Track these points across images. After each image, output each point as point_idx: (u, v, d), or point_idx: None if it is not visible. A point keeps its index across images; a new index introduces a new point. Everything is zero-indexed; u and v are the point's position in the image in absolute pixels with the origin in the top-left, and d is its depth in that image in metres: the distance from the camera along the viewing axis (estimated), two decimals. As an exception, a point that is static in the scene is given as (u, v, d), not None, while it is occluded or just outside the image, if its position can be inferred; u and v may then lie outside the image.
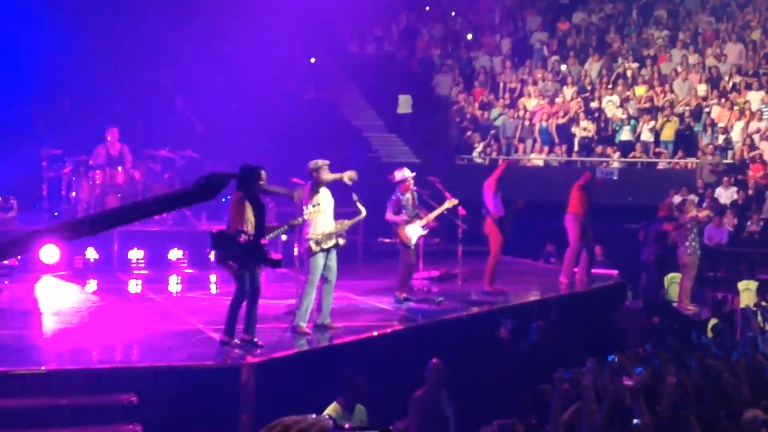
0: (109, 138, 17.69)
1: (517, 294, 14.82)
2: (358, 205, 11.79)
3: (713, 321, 13.84)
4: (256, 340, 10.15)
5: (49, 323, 11.85)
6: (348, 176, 11.28)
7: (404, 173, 13.43)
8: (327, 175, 11.10)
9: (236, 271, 9.86)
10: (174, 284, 15.34)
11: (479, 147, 25.45)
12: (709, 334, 12.82)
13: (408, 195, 13.37)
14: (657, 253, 16.84)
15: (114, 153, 17.69)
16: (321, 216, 10.98)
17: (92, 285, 14.74)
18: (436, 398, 10.02)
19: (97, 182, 17.35)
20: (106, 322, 11.80)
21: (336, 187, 11.41)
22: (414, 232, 13.33)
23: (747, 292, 17.48)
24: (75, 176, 17.56)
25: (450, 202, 13.78)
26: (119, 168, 17.52)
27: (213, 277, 15.46)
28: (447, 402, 10.11)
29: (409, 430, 9.53)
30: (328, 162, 11.22)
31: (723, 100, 24.35)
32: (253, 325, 10.17)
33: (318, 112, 25.91)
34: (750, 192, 21.42)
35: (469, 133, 25.95)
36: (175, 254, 16.67)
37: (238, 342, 10.11)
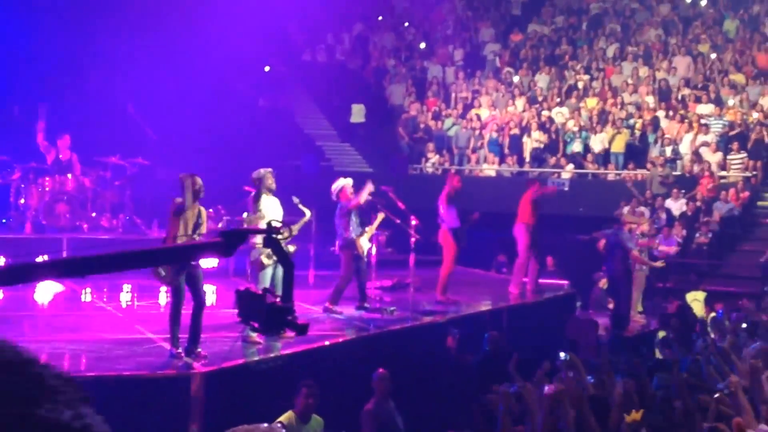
0: (59, 145, 17.48)
1: (469, 304, 14.85)
2: (301, 207, 11.73)
3: (661, 333, 13.94)
4: (199, 350, 10.01)
5: (-4, 332, 11.65)
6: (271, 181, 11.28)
7: (338, 183, 13.27)
8: (269, 184, 11.09)
9: (173, 281, 9.81)
10: (124, 292, 15.16)
11: (432, 157, 25.50)
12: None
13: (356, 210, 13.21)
14: (625, 266, 16.75)
15: (63, 159, 17.48)
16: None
17: (40, 292, 14.52)
18: (387, 409, 9.99)
19: (47, 189, 17.15)
20: (54, 330, 11.62)
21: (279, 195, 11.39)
22: (365, 243, 13.27)
23: (695, 303, 17.66)
24: (24, 183, 17.33)
25: (381, 217, 13.66)
26: (69, 175, 17.31)
27: (163, 287, 15.29)
28: (395, 412, 10.10)
29: None
30: (271, 170, 11.18)
31: (672, 112, 24.61)
32: (197, 336, 10.04)
33: (271, 120, 25.82)
34: (699, 204, 21.66)
35: (429, 144, 25.99)
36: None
37: (182, 352, 9.98)
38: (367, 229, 13.33)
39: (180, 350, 9.96)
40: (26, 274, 3.99)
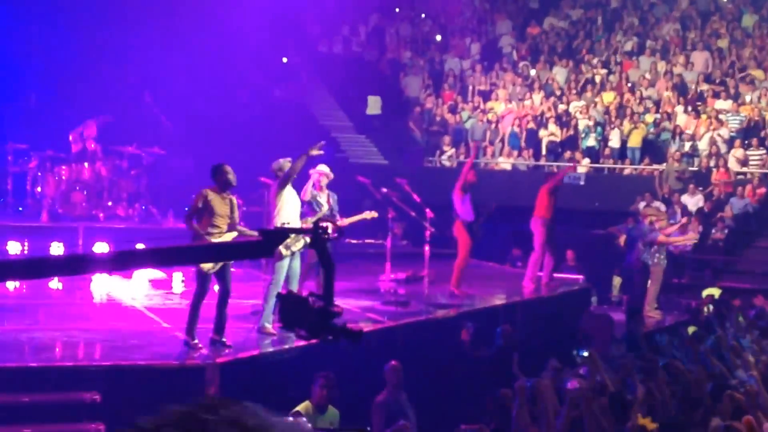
0: (85, 135, 17.55)
1: (483, 297, 14.84)
2: (318, 200, 11.70)
3: (692, 328, 13.88)
4: (224, 340, 10.09)
5: (11, 320, 11.69)
6: (315, 152, 11.16)
7: (319, 169, 12.67)
8: (294, 165, 10.93)
9: (200, 271, 9.86)
10: (140, 281, 15.19)
11: (449, 150, 25.45)
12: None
13: (323, 194, 12.57)
14: (645, 259, 16.68)
15: (89, 149, 17.57)
16: (287, 217, 10.87)
17: (56, 281, 14.57)
18: (398, 401, 10.01)
19: (63, 178, 17.21)
20: (69, 320, 11.67)
21: (298, 186, 11.36)
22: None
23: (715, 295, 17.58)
24: (41, 171, 17.40)
25: (369, 214, 13.06)
26: (85, 164, 17.37)
27: (178, 276, 15.33)
28: (407, 404, 10.11)
29: None
30: (290, 159, 11.15)
31: (690, 107, 24.52)
32: (222, 325, 10.11)
33: (286, 111, 25.81)
34: (715, 199, 21.59)
35: (445, 137, 25.95)
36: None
37: (198, 342, 10.02)
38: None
39: (196, 341, 10.00)
40: (79, 265, 4.00)
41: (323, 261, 4.17)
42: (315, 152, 11.14)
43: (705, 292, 17.78)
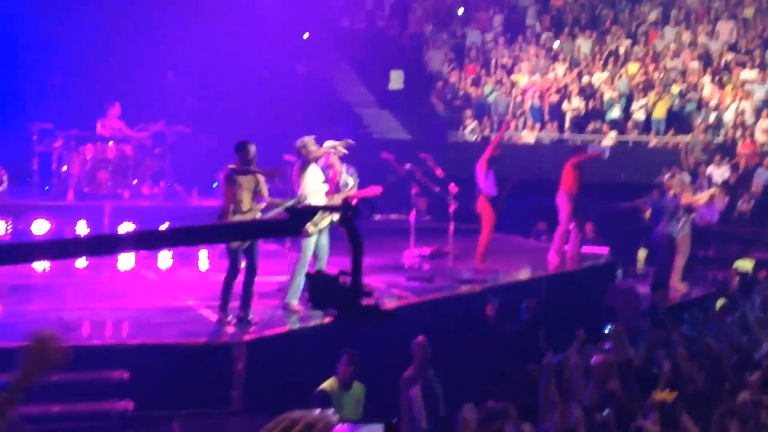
0: (109, 114, 17.63)
1: (508, 272, 14.82)
2: (345, 176, 11.68)
3: (720, 301, 13.81)
4: (250, 317, 10.16)
5: (39, 299, 11.80)
6: (341, 145, 11.20)
7: (327, 142, 12.62)
8: (316, 151, 11.00)
9: (230, 249, 9.93)
10: (165, 259, 15.25)
11: (471, 124, 25.37)
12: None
13: (330, 171, 12.66)
14: (670, 232, 16.59)
15: (115, 127, 17.66)
16: (313, 194, 10.89)
17: (83, 260, 14.65)
18: (425, 377, 10.05)
19: (88, 157, 17.29)
20: (97, 299, 11.76)
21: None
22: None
23: (746, 268, 17.42)
24: (66, 150, 17.48)
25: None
26: (110, 143, 17.45)
27: (204, 253, 15.38)
28: (435, 380, 10.15)
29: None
30: (314, 137, 11.13)
31: (715, 78, 24.31)
32: (248, 303, 10.19)
33: (309, 87, 25.77)
34: (741, 171, 21.43)
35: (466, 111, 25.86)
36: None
37: (233, 319, 10.11)
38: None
39: (230, 317, 10.08)
40: (106, 245, 4.03)
41: (352, 239, 4.15)
42: (341, 148, 11.18)
43: (737, 264, 17.60)
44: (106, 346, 9.55)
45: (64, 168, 17.50)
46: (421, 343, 10.07)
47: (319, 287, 3.87)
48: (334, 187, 11.99)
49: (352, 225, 4.03)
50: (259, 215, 10.12)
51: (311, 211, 4.01)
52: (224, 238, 4.92)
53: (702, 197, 17.50)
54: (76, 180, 17.23)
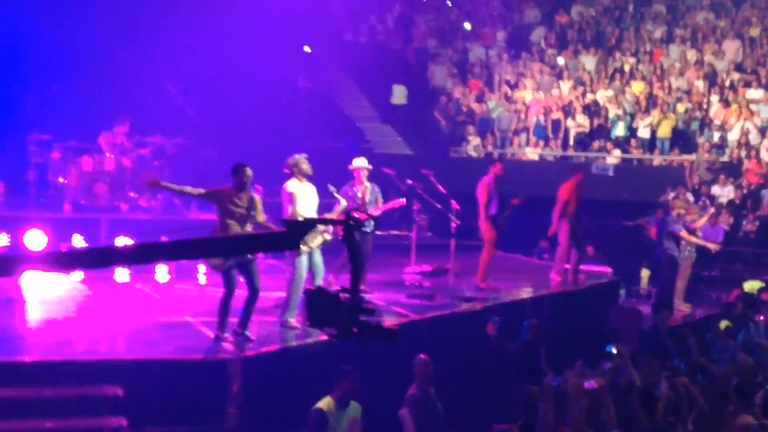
0: (115, 131, 17.65)
1: (510, 291, 14.76)
2: (337, 196, 11.66)
3: (724, 323, 13.73)
4: (248, 334, 10.11)
5: (34, 313, 11.75)
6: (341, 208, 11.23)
7: (359, 162, 13.08)
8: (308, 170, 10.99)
9: (225, 269, 9.88)
10: (162, 274, 15.19)
11: (474, 140, 25.36)
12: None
13: (360, 188, 13.07)
14: (672, 252, 16.53)
15: (118, 142, 17.67)
16: (305, 213, 10.81)
17: (78, 274, 14.60)
18: (427, 395, 9.99)
19: (86, 169, 17.26)
20: (92, 313, 11.71)
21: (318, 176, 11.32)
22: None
23: (753, 289, 17.35)
24: (63, 162, 17.45)
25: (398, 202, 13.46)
26: (108, 155, 17.43)
27: (202, 268, 15.32)
28: (436, 398, 10.09)
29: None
30: (305, 156, 11.09)
31: (720, 97, 24.30)
32: (247, 320, 10.15)
33: (312, 101, 25.80)
34: (746, 191, 21.39)
35: (469, 127, 25.86)
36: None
37: (229, 336, 10.05)
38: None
39: (227, 335, 10.03)
40: (101, 258, 3.98)
41: (351, 255, 4.06)
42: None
43: (745, 285, 17.52)
44: (101, 361, 9.48)
45: (61, 180, 17.47)
46: (423, 361, 10.02)
47: (317, 305, 3.79)
48: (362, 205, 12.18)
49: (353, 240, 3.96)
50: None
51: (309, 225, 3.96)
52: (222, 251, 4.87)
53: (699, 242, 17.41)
54: (73, 192, 17.19)
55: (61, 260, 3.98)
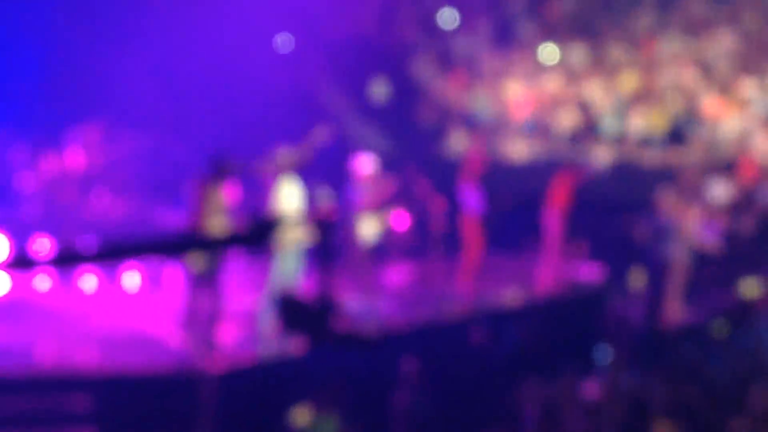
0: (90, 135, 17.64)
1: (496, 294, 14.77)
2: (325, 195, 11.65)
3: (719, 326, 13.80)
4: (220, 345, 10.08)
5: (3, 324, 11.67)
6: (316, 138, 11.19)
7: (364, 163, 13.17)
8: (302, 157, 11.01)
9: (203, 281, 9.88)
10: (134, 282, 15.10)
11: (458, 135, 25.37)
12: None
13: (378, 185, 13.11)
14: (663, 251, 16.57)
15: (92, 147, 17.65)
16: (287, 211, 10.82)
17: (46, 282, 14.52)
18: (420, 400, 10.03)
19: (53, 168, 17.21)
20: (61, 323, 11.65)
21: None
22: (368, 227, 13.13)
23: (750, 291, 17.41)
24: (30, 162, 17.41)
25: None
26: (79, 153, 17.40)
27: (176, 276, 15.26)
28: (425, 405, 10.13)
29: None
30: (289, 149, 11.12)
31: (715, 91, 24.38)
32: (215, 329, 10.11)
33: (291, 97, 25.74)
34: (742, 190, 21.46)
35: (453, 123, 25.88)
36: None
37: (203, 347, 10.02)
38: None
39: (201, 345, 10.01)
40: (63, 260, 3.95)
41: (322, 257, 4.04)
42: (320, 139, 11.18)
43: (742, 287, 17.57)
44: (70, 372, 9.44)
45: (28, 180, 17.40)
46: (411, 367, 10.06)
47: (290, 311, 3.76)
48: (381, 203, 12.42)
49: (326, 242, 3.94)
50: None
51: (277, 223, 3.91)
52: (189, 250, 4.81)
53: (695, 218, 17.44)
54: (40, 192, 17.12)
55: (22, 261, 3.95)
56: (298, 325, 3.85)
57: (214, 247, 4.86)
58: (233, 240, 4.67)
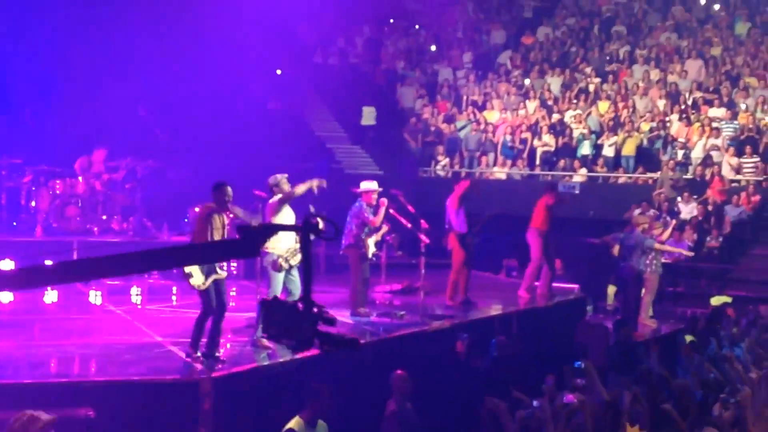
0: (93, 160, 17.65)
1: (479, 308, 14.81)
2: (317, 215, 11.66)
3: (689, 337, 13.84)
4: (218, 355, 10.07)
5: (7, 335, 11.66)
6: (316, 184, 11.25)
7: (369, 185, 13.32)
8: (298, 189, 11.05)
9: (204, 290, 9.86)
10: (134, 295, 15.17)
11: (443, 160, 25.49)
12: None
13: (371, 208, 13.25)
14: (636, 268, 16.63)
15: (96, 171, 17.66)
16: (283, 235, 10.84)
17: (51, 295, 14.54)
18: (404, 410, 10.01)
19: (57, 192, 17.21)
20: (64, 334, 11.64)
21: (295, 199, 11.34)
22: (372, 245, 13.23)
23: (719, 303, 17.48)
24: (35, 186, 17.40)
25: (385, 229, 13.65)
26: (80, 178, 17.39)
27: (174, 289, 15.32)
28: (414, 414, 10.11)
29: None
30: (286, 175, 11.16)
31: (684, 116, 24.54)
32: (217, 340, 10.09)
33: (282, 123, 25.82)
34: (709, 207, 21.60)
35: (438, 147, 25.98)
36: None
37: (201, 356, 10.01)
38: (375, 232, 13.30)
39: (198, 354, 9.99)
40: (41, 277, 3.95)
41: (305, 262, 4.02)
42: (316, 185, 11.22)
43: (713, 300, 17.65)
44: (72, 383, 9.43)
45: (33, 203, 17.40)
46: (401, 377, 10.06)
47: (275, 316, 3.69)
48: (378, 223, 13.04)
49: (309, 246, 3.93)
50: None
51: (265, 231, 3.91)
52: (181, 261, 4.75)
53: (673, 249, 17.61)
54: (45, 215, 17.13)
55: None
56: (282, 329, 3.80)
57: (206, 257, 4.82)
58: (225, 248, 4.66)
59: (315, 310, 3.67)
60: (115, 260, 3.84)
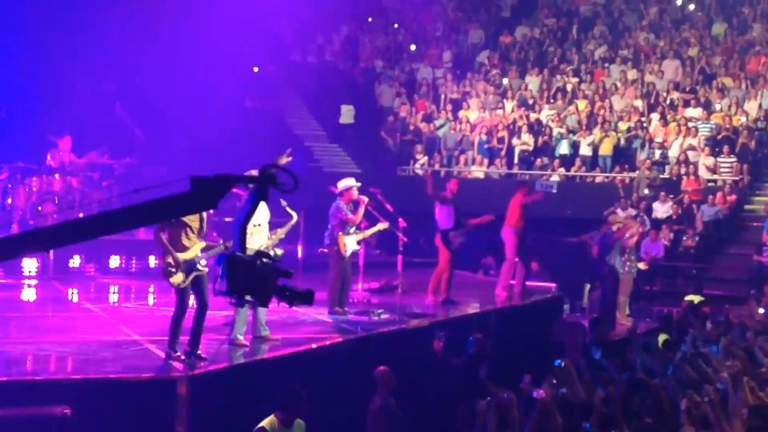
0: (60, 147, 17.51)
1: (456, 306, 14.84)
2: (288, 210, 11.63)
3: (663, 336, 13.91)
4: (199, 352, 10.04)
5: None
6: (284, 158, 11.14)
7: (347, 182, 13.31)
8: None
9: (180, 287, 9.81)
10: (112, 293, 15.12)
11: (421, 159, 25.52)
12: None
13: (350, 206, 13.23)
14: (614, 266, 16.70)
15: (65, 161, 17.51)
16: (256, 229, 10.82)
17: (28, 293, 14.48)
18: (391, 405, 10.04)
19: (34, 189, 17.11)
20: (41, 332, 11.59)
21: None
22: (351, 244, 13.21)
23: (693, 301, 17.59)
24: (11, 183, 17.29)
25: (381, 225, 13.71)
26: (56, 175, 17.29)
27: (151, 287, 15.28)
28: (397, 408, 10.14)
29: None
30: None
31: (660, 115, 24.67)
32: (198, 338, 10.06)
33: (260, 121, 25.78)
34: (685, 207, 21.72)
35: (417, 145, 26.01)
36: (115, 262, 16.59)
37: (181, 355, 9.97)
38: (357, 231, 13.28)
39: (179, 353, 9.95)
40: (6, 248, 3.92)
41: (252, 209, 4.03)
42: (284, 160, 11.10)
43: (687, 299, 17.75)
44: (48, 380, 9.39)
45: (9, 200, 17.30)
46: (386, 373, 10.08)
47: (236, 272, 3.73)
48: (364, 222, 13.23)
49: (263, 195, 3.95)
50: (200, 253, 10.00)
51: (220, 182, 3.90)
52: (133, 224, 4.65)
53: (626, 232, 17.57)
54: (21, 213, 17.02)
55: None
56: (244, 285, 3.83)
57: (161, 214, 4.75)
58: (178, 203, 4.56)
59: (271, 262, 3.72)
60: (75, 225, 3.81)
